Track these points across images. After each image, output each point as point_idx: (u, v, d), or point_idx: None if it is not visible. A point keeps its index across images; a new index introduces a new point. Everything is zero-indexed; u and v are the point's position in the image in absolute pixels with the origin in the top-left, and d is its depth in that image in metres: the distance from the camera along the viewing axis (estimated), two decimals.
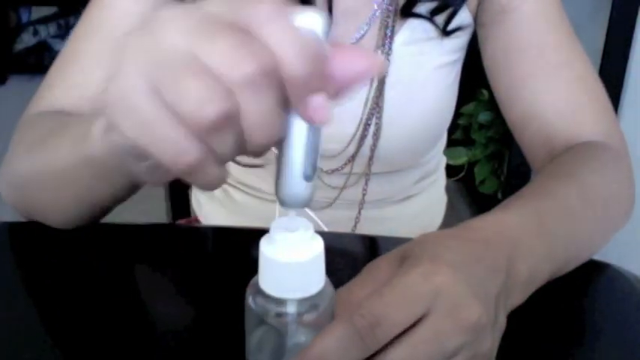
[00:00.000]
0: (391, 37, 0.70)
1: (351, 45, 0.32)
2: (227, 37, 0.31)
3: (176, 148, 0.32)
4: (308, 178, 0.33)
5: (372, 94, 0.72)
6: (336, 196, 0.78)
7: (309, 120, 0.32)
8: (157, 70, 0.31)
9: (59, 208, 0.59)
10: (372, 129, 0.72)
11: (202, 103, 0.30)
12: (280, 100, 0.32)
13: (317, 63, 0.31)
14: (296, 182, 0.33)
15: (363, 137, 0.73)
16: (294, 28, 0.31)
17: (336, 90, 0.32)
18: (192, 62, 0.31)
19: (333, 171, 0.76)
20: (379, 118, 0.72)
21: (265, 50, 0.30)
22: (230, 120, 0.31)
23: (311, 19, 0.31)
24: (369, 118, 0.72)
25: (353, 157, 0.75)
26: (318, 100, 0.31)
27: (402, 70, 0.71)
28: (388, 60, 0.71)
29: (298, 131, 0.32)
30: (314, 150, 0.33)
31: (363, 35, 0.71)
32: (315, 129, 0.33)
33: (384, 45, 0.70)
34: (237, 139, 0.32)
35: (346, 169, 0.76)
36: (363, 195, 0.78)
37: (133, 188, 0.53)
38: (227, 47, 0.30)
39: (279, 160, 0.33)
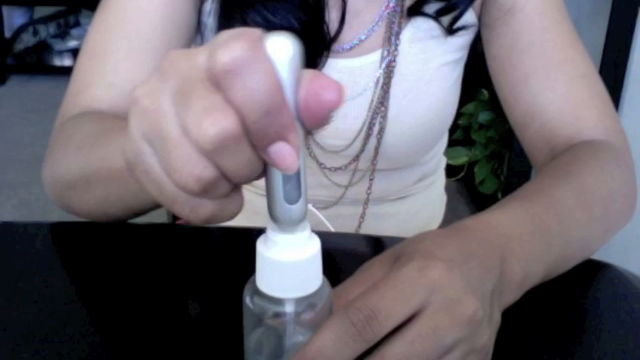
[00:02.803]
0: (397, 36, 0.71)
1: (318, 73, 0.31)
2: (198, 100, 0.30)
3: (188, 208, 0.33)
4: (291, 201, 0.33)
5: (378, 92, 0.72)
6: (342, 194, 0.79)
7: (275, 166, 0.32)
8: (153, 134, 0.32)
9: (104, 209, 0.59)
10: (376, 127, 0.73)
11: (185, 175, 0.31)
12: (252, 148, 0.31)
13: (277, 115, 0.30)
14: (281, 205, 0.33)
15: (368, 135, 0.73)
16: (256, 78, 0.29)
17: (309, 120, 0.32)
18: (176, 129, 0.31)
19: (337, 168, 0.76)
20: (384, 116, 0.72)
21: (228, 112, 0.30)
22: (220, 177, 0.32)
23: (281, 45, 0.30)
24: (374, 116, 0.72)
25: (358, 155, 0.75)
26: (280, 148, 0.31)
27: (407, 68, 0.72)
28: (395, 59, 0.71)
29: None
30: (295, 175, 0.32)
31: (370, 34, 0.71)
32: None
33: (390, 44, 0.71)
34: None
35: (351, 167, 0.76)
36: (368, 193, 0.78)
37: None
38: (197, 112, 0.30)
39: (266, 183, 0.33)
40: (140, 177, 0.34)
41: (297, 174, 0.33)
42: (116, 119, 0.61)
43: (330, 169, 0.77)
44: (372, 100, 0.72)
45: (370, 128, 0.73)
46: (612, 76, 1.51)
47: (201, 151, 0.31)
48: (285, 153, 0.31)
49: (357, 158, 0.75)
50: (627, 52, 1.51)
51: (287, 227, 0.34)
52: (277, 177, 0.32)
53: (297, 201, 0.33)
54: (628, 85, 1.53)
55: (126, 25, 0.66)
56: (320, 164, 0.76)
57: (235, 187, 0.33)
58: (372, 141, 0.74)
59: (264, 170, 0.33)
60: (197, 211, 0.33)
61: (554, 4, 0.70)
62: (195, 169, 0.31)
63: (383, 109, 0.72)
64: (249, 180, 0.32)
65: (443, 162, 0.93)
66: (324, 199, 0.79)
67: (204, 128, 0.30)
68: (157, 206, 0.56)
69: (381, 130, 0.73)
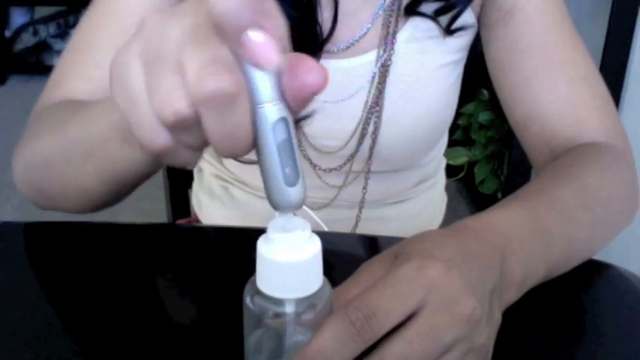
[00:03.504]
0: (393, 36, 0.70)
1: (302, 55, 0.32)
2: (208, 49, 0.31)
3: (150, 132, 0.34)
4: (290, 183, 0.33)
5: (373, 91, 0.72)
6: (335, 195, 0.78)
7: (252, 62, 0.32)
8: (151, 55, 0.33)
9: (81, 184, 0.56)
10: (371, 127, 0.72)
11: (167, 101, 0.32)
12: (243, 119, 0.32)
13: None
14: (280, 188, 0.33)
15: (363, 135, 0.73)
16: None
17: (292, 102, 0.32)
18: (176, 62, 0.32)
19: (332, 169, 0.76)
20: (378, 116, 0.72)
21: (233, 74, 0.31)
22: (192, 123, 0.32)
23: None
24: (368, 116, 0.72)
25: (352, 156, 0.75)
26: (254, 36, 0.31)
27: (404, 68, 0.71)
28: (391, 59, 0.71)
29: (267, 139, 0.32)
30: (290, 155, 0.33)
31: (365, 33, 0.71)
32: (284, 134, 0.32)
33: (386, 43, 0.71)
34: (204, 139, 0.33)
35: (345, 168, 0.76)
36: (363, 194, 0.78)
37: (157, 163, 0.49)
38: (201, 61, 0.31)
39: (262, 169, 0.33)
40: (118, 91, 0.35)
41: (293, 154, 0.33)
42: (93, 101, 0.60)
43: (324, 170, 0.76)
44: (367, 100, 0.72)
45: (365, 128, 0.72)
46: (612, 76, 1.51)
47: (191, 93, 0.31)
48: (260, 41, 0.31)
49: (351, 158, 0.75)
50: (627, 52, 1.50)
51: (289, 211, 0.34)
52: (274, 161, 0.32)
53: (296, 182, 0.33)
54: (628, 85, 1.53)
55: (112, 22, 0.66)
56: (314, 166, 0.76)
57: (200, 148, 0.34)
58: (367, 141, 0.73)
59: (250, 149, 0.33)
60: (155, 141, 0.34)
61: (554, 4, 0.70)
62: (178, 102, 0.32)
63: (378, 108, 0.72)
64: (224, 152, 0.33)
65: (443, 163, 0.92)
66: (318, 201, 0.79)
67: (203, 80, 0.31)
68: (135, 185, 0.54)
69: (376, 130, 0.72)
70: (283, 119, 0.32)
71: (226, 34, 0.31)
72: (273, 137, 0.32)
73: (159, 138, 0.34)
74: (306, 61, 0.32)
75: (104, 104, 0.50)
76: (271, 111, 0.32)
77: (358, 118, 0.72)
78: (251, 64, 0.31)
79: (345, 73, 0.71)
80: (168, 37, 0.32)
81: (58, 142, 0.56)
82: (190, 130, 0.33)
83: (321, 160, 0.76)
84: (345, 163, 0.76)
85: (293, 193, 0.33)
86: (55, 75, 0.68)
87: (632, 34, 1.50)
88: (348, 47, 0.71)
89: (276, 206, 0.34)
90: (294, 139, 0.33)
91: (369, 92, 0.72)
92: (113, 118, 0.46)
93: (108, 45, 0.66)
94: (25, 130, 0.64)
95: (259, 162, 0.33)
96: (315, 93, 0.32)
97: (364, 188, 0.78)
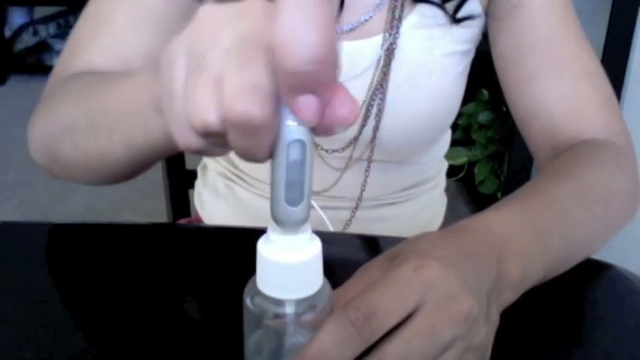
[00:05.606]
0: (399, 20, 0.70)
1: (339, 86, 0.32)
2: (250, 70, 0.31)
3: (183, 133, 0.35)
4: (292, 203, 0.33)
5: (378, 74, 0.72)
6: (335, 181, 0.78)
7: (295, 115, 0.31)
8: (195, 58, 0.33)
9: (104, 153, 0.54)
10: (374, 110, 0.72)
11: (198, 112, 0.32)
12: (265, 142, 0.32)
13: (316, 67, 0.30)
14: (282, 207, 0.33)
15: (365, 118, 0.73)
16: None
17: (318, 128, 0.32)
18: (217, 74, 0.32)
19: (333, 151, 0.76)
20: (382, 99, 0.72)
21: (267, 105, 0.31)
22: (221, 133, 0.33)
23: None
24: (372, 99, 0.72)
25: (355, 139, 0.74)
26: (307, 100, 0.31)
27: (409, 54, 0.71)
28: (396, 43, 0.71)
29: (280, 155, 0.32)
30: (298, 176, 0.32)
31: (371, 17, 0.71)
32: (298, 155, 0.32)
33: (391, 28, 0.71)
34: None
35: (347, 152, 0.76)
36: (362, 188, 0.78)
37: None
38: (241, 83, 0.31)
39: (270, 183, 0.33)
40: (164, 83, 0.35)
41: (302, 178, 0.33)
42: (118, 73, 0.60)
43: (326, 150, 0.76)
44: (372, 82, 0.72)
45: (368, 110, 0.72)
46: (612, 76, 1.50)
47: (222, 111, 0.32)
48: (310, 105, 0.31)
49: (354, 141, 0.74)
50: (627, 52, 1.51)
51: (288, 229, 0.34)
52: (281, 178, 0.32)
53: (298, 203, 0.33)
54: (628, 85, 1.53)
55: (127, 1, 0.66)
56: (316, 145, 0.75)
57: (229, 146, 0.34)
58: (370, 124, 0.73)
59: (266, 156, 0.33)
60: (186, 142, 0.35)
61: (561, 0, 0.70)
62: (209, 115, 0.32)
63: (382, 90, 0.72)
64: (244, 157, 0.33)
65: (444, 167, 0.92)
66: (316, 188, 0.79)
67: (235, 104, 0.31)
68: (158, 158, 0.54)
69: (379, 113, 0.72)
70: (300, 141, 0.32)
71: (281, 87, 0.31)
72: (286, 155, 0.32)
73: (190, 140, 0.34)
74: (340, 92, 0.32)
75: (144, 74, 0.49)
76: (291, 130, 0.32)
77: (362, 100, 0.72)
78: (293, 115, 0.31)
79: (350, 55, 0.71)
80: (216, 43, 0.32)
81: (83, 109, 0.56)
82: (220, 136, 0.33)
83: (322, 140, 0.75)
84: (347, 146, 0.75)
85: (294, 212, 0.33)
86: (70, 45, 0.68)
87: (632, 34, 1.50)
88: (352, 29, 0.71)
89: (276, 220, 0.34)
90: (307, 162, 0.32)
91: (374, 74, 0.72)
92: (153, 88, 0.45)
93: (124, 15, 0.66)
94: (42, 98, 0.64)
95: (271, 171, 0.33)
96: (342, 125, 0.32)
97: (364, 179, 0.77)
